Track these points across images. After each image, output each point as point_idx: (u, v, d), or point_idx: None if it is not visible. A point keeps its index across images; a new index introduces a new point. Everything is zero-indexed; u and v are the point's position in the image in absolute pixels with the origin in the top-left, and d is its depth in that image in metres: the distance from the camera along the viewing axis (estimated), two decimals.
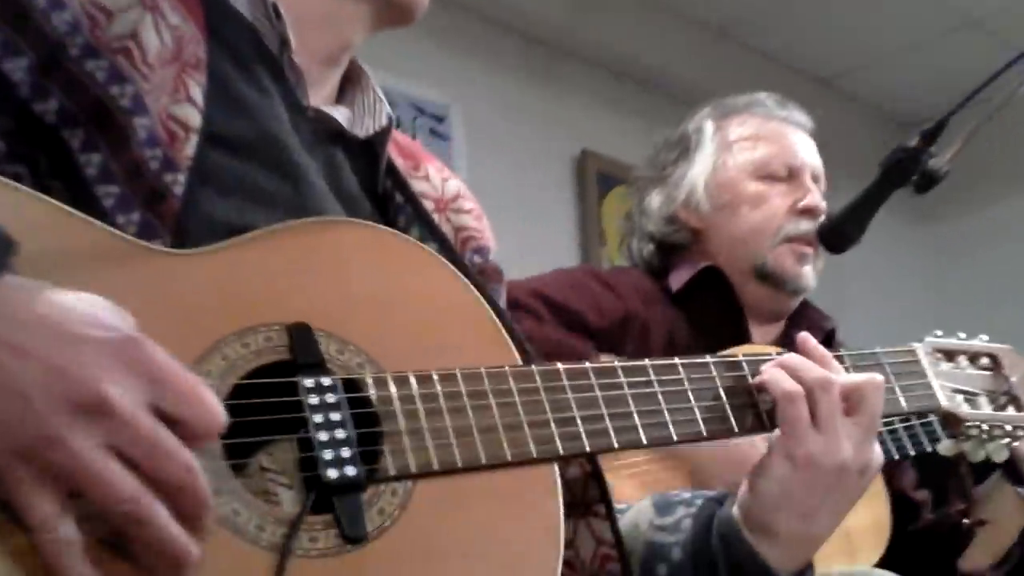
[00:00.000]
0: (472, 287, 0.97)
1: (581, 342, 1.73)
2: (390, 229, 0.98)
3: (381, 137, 1.13)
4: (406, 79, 3.84)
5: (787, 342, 1.97)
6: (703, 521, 1.08)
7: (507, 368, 0.92)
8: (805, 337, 1.12)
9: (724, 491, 1.13)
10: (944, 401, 1.21)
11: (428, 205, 1.14)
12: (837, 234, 1.77)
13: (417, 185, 1.16)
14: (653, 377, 1.01)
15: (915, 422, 1.90)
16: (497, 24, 4.16)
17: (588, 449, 0.95)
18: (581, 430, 0.94)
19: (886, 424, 1.85)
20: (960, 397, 1.24)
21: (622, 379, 0.99)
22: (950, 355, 1.29)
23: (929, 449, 1.89)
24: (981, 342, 1.34)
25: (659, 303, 1.90)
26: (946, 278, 5.32)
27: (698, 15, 4.44)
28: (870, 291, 5.13)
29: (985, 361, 1.31)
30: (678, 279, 1.94)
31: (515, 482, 0.88)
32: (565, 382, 0.95)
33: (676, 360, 1.03)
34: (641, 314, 1.86)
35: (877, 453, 1.08)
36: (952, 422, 1.22)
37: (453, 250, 1.10)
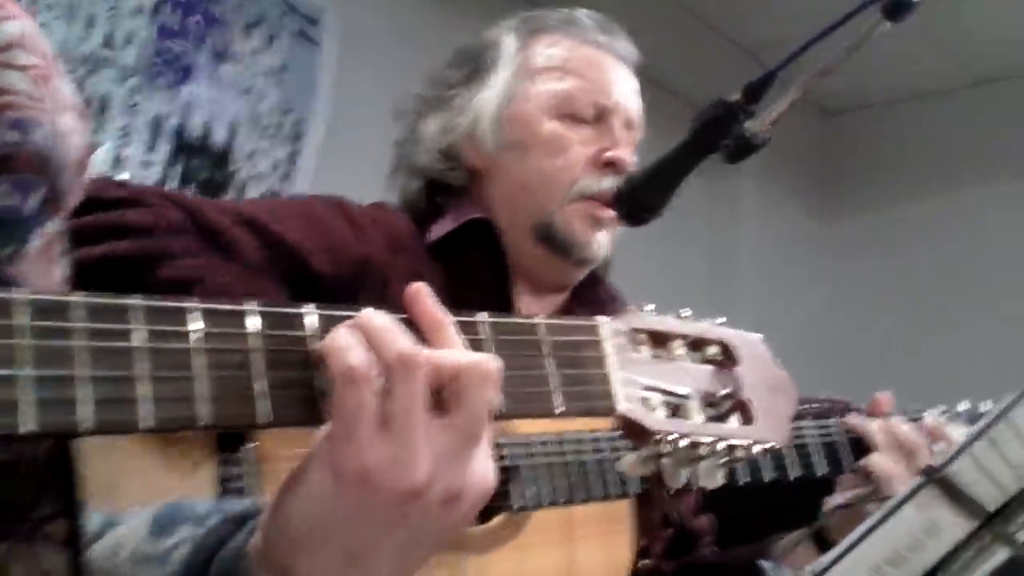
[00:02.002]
0: None
1: (272, 293, 1.34)
2: None
3: None
4: None
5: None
6: (203, 553, 0.74)
7: None
8: (418, 288, 0.77)
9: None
10: (622, 403, 0.86)
11: None
12: (634, 201, 1.42)
13: None
14: (143, 329, 0.65)
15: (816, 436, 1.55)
16: None
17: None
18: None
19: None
20: (657, 399, 0.88)
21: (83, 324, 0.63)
22: (659, 339, 0.93)
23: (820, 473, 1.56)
24: (711, 324, 0.98)
25: (412, 253, 1.53)
26: (839, 278, 5.09)
27: None
28: (760, 285, 4.87)
29: (713, 351, 0.96)
30: (440, 229, 1.57)
31: None
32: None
33: (189, 304, 0.67)
34: (385, 263, 1.48)
35: (481, 475, 0.73)
36: (633, 432, 0.87)
37: None
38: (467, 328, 0.78)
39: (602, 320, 0.88)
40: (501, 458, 1.33)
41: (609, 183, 1.56)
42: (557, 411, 0.81)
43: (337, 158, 3.48)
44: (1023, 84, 4.71)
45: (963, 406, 1.70)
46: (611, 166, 1.57)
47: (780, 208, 5.09)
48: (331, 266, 1.43)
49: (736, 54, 4.69)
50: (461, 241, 1.55)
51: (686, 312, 0.96)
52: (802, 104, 4.31)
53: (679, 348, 0.93)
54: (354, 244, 1.47)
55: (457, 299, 1.50)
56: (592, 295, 1.65)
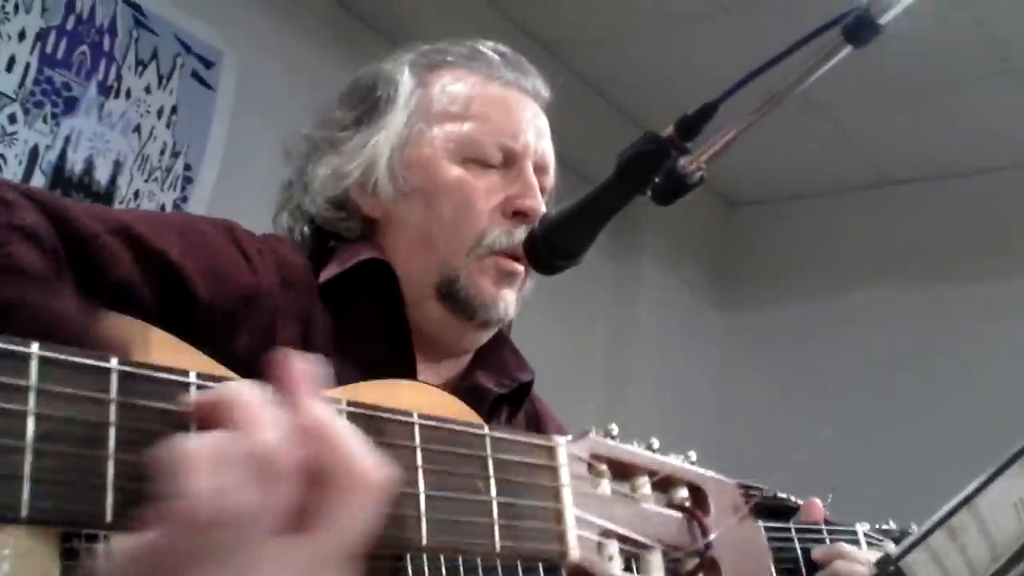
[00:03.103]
0: None
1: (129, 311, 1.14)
2: None
3: None
4: (176, 6, 3.28)
5: (467, 384, 1.46)
6: None
7: None
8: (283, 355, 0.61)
9: None
10: (573, 548, 0.70)
11: None
12: (551, 246, 1.25)
13: None
14: None
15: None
16: None
17: None
18: None
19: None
20: (613, 547, 0.72)
21: None
22: (622, 471, 0.78)
23: None
24: (683, 461, 0.84)
25: (303, 292, 1.34)
26: (732, 368, 5.04)
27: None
28: (655, 366, 4.79)
29: (682, 494, 0.81)
30: (332, 270, 1.38)
31: None
32: None
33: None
34: (274, 298, 1.30)
35: None
36: None
37: None
38: (396, 429, 0.62)
39: (560, 441, 0.73)
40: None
41: (520, 235, 1.39)
42: (497, 549, 0.65)
43: (226, 206, 3.28)
44: (927, 187, 4.75)
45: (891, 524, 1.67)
46: (521, 216, 1.42)
47: (680, 293, 5.03)
48: (213, 292, 1.24)
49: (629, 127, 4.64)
50: (354, 285, 1.38)
51: (655, 443, 0.81)
52: (705, 193, 4.31)
53: (644, 486, 0.78)
54: (243, 273, 1.28)
55: (345, 351, 1.34)
56: (497, 359, 1.49)
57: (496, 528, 0.66)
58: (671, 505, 0.81)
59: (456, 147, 1.43)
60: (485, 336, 1.47)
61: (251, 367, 0.66)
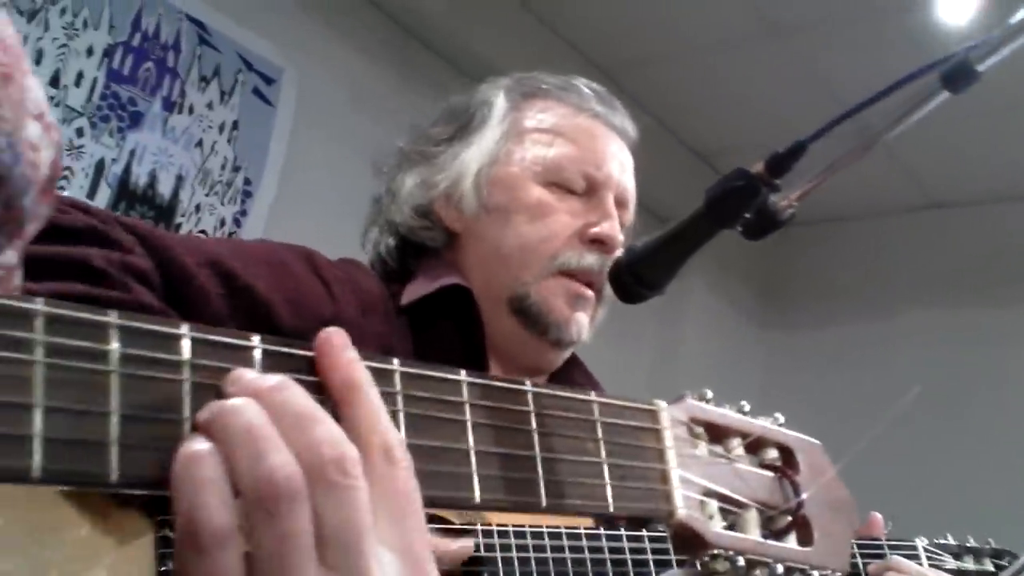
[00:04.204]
0: None
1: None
2: None
3: None
4: (238, 24, 3.33)
5: None
6: None
7: None
8: (328, 336, 0.63)
9: None
10: (680, 507, 0.73)
11: None
12: (636, 275, 1.28)
13: None
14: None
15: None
16: None
17: None
18: None
19: None
20: (714, 506, 0.76)
21: None
22: (717, 434, 0.81)
23: None
24: (772, 423, 0.87)
25: (381, 316, 1.38)
26: (776, 387, 5.03)
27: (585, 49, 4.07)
28: (700, 385, 4.79)
29: (772, 455, 0.85)
30: (413, 291, 1.43)
31: None
32: None
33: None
34: (353, 324, 1.34)
35: None
36: (689, 542, 0.74)
37: None
38: (511, 397, 0.65)
39: (662, 405, 0.76)
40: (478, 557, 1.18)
41: (592, 260, 1.44)
42: (611, 510, 0.68)
43: (284, 221, 3.35)
44: (975, 212, 4.74)
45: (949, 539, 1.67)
46: (598, 243, 1.45)
47: (726, 313, 5.04)
48: (295, 320, 1.29)
49: (690, 160, 4.67)
50: (435, 308, 1.42)
51: (746, 406, 0.84)
52: None
53: (738, 448, 0.82)
54: (323, 301, 1.33)
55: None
56: (569, 381, 1.52)
57: (608, 489, 0.69)
58: (763, 465, 0.84)
59: (542, 170, 1.47)
60: (559, 357, 1.50)
61: None
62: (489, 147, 1.49)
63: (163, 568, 1.07)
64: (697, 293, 4.83)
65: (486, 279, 1.45)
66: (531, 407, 0.67)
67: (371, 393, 0.60)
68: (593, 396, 0.72)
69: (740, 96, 4.31)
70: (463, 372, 0.66)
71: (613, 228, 1.47)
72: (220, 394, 0.54)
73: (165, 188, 3.16)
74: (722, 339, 5.02)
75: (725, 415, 0.83)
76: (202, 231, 3.23)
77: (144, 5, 3.11)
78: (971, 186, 4.67)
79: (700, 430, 0.80)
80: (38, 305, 0.49)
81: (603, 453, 0.70)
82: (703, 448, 0.79)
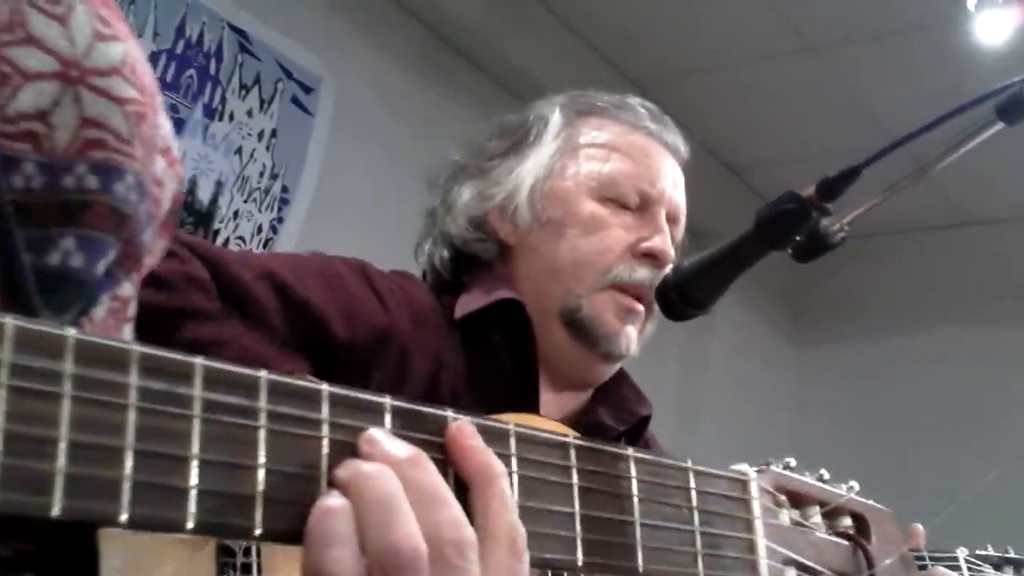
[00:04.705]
0: None
1: (293, 361, 1.24)
2: None
3: None
4: (279, 33, 3.37)
5: (588, 421, 1.51)
6: None
7: None
8: (460, 427, 0.65)
9: None
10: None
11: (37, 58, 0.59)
12: (683, 294, 1.30)
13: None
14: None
15: None
16: (402, 6, 3.72)
17: None
18: None
19: None
20: (792, 574, 0.78)
21: None
22: (798, 501, 0.84)
23: None
24: (846, 491, 0.90)
25: (434, 330, 1.41)
26: (806, 406, 5.04)
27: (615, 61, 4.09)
28: (727, 399, 4.81)
29: (846, 523, 0.87)
30: (466, 304, 1.46)
31: None
32: None
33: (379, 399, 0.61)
34: (406, 337, 1.37)
35: None
36: None
37: None
38: (613, 462, 0.68)
39: (752, 475, 0.79)
40: None
41: (644, 274, 1.46)
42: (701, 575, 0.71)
43: (321, 229, 3.38)
44: (1008, 229, 4.73)
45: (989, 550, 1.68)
46: (649, 257, 1.47)
47: (754, 327, 5.04)
48: (349, 332, 1.32)
49: (722, 174, 4.68)
50: (488, 321, 1.44)
51: (825, 474, 0.87)
52: None
53: (816, 515, 0.85)
54: (376, 313, 1.36)
55: (474, 385, 1.41)
56: (617, 394, 1.54)
57: (700, 557, 0.72)
58: (838, 533, 0.86)
59: (596, 185, 1.49)
60: (608, 371, 1.52)
61: None
62: (544, 161, 1.51)
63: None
64: (726, 306, 4.83)
65: (538, 292, 1.47)
66: (632, 473, 0.70)
67: (503, 484, 0.63)
68: (689, 464, 0.75)
69: (773, 111, 4.32)
70: (571, 435, 0.69)
71: (665, 243, 1.49)
72: (355, 452, 0.58)
73: (204, 194, 3.20)
74: (750, 354, 5.03)
75: (806, 483, 0.86)
76: (240, 237, 3.26)
77: (188, 13, 3.15)
78: (1002, 204, 4.66)
79: (783, 498, 0.83)
80: (198, 360, 0.52)
81: (696, 521, 0.73)
82: (785, 516, 0.82)
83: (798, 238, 1.18)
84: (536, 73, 3.88)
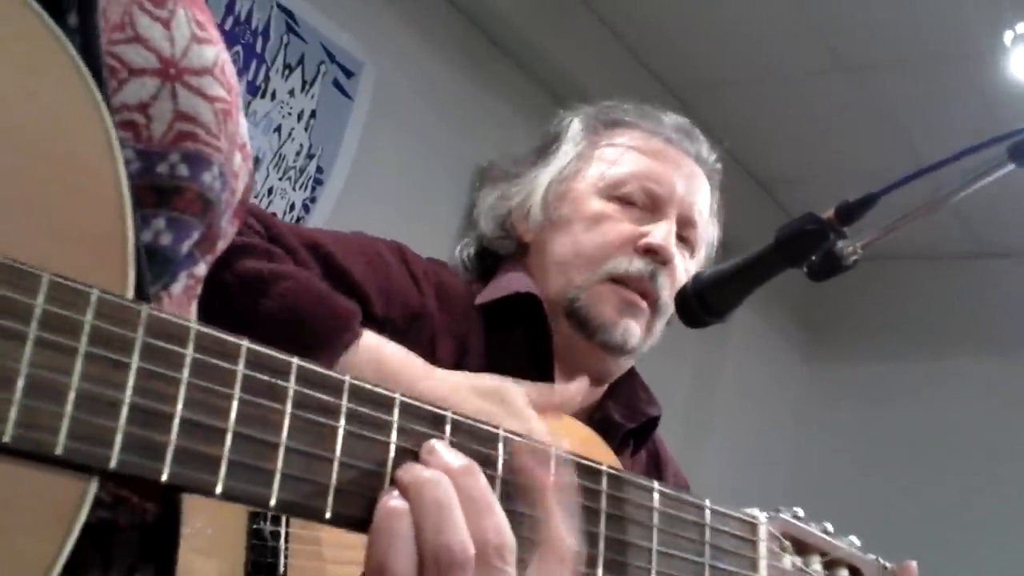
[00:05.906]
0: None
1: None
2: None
3: None
4: (325, 16, 3.43)
5: (599, 416, 1.57)
6: None
7: None
8: (520, 446, 0.74)
9: None
10: None
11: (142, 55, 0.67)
12: (701, 302, 1.36)
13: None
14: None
15: None
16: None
17: None
18: None
19: None
20: None
21: None
22: (801, 547, 0.91)
23: None
24: (845, 543, 0.96)
25: (461, 314, 1.48)
26: (813, 423, 5.07)
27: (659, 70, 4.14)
28: (737, 412, 4.84)
29: (844, 574, 0.95)
30: (488, 293, 1.53)
31: None
32: None
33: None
34: (436, 320, 1.44)
35: None
36: None
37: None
38: (638, 491, 0.76)
39: (761, 519, 0.86)
40: None
41: (640, 266, 1.52)
42: None
43: (351, 211, 3.45)
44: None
45: None
46: (651, 253, 1.52)
47: (768, 341, 5.08)
48: (385, 309, 1.40)
49: (751, 188, 4.72)
50: (508, 312, 1.51)
51: (829, 527, 0.95)
52: None
53: (816, 563, 0.91)
54: (411, 293, 1.44)
55: (493, 371, 1.47)
56: (628, 392, 1.60)
57: None
58: None
59: (605, 185, 1.57)
60: (616, 365, 1.58)
61: None
62: (561, 165, 1.60)
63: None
64: (743, 318, 4.88)
65: (547, 286, 1.54)
66: (655, 504, 0.78)
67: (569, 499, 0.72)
68: (707, 503, 0.82)
69: (806, 129, 4.36)
70: (604, 464, 0.77)
71: (666, 238, 1.53)
72: (416, 457, 0.66)
73: None
74: (762, 367, 5.06)
75: (811, 534, 0.92)
76: (272, 214, 3.33)
77: None
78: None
79: (788, 544, 0.89)
80: (295, 360, 0.60)
81: (707, 555, 0.80)
82: (788, 560, 0.88)
83: (814, 258, 1.24)
84: (575, 73, 3.94)
